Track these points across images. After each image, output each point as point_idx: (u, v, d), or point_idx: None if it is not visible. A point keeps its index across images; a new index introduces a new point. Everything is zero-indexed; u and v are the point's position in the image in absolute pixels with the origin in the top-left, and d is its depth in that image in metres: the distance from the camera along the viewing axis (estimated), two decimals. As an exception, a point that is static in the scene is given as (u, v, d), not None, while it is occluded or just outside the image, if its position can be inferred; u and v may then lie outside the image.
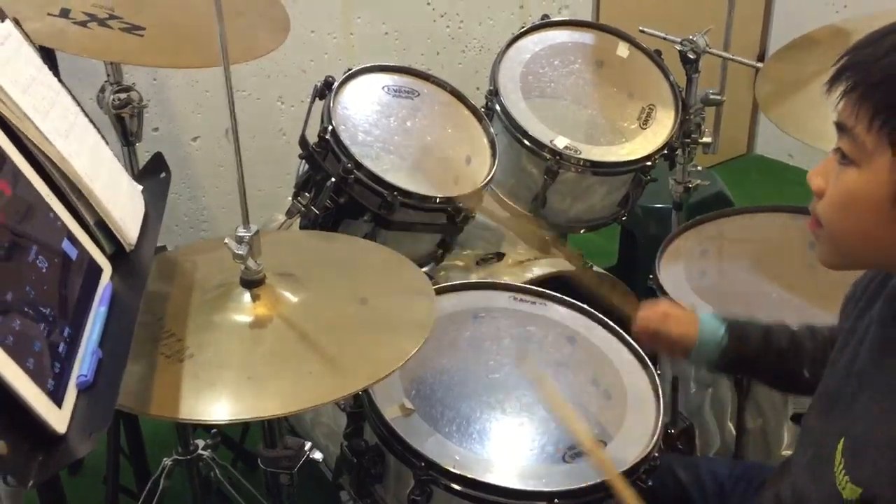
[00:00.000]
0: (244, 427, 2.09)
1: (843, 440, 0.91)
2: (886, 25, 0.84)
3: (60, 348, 0.82)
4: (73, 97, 1.08)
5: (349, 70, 1.72)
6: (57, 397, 0.78)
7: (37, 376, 0.76)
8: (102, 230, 1.00)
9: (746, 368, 1.28)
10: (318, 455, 1.28)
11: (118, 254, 1.03)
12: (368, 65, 1.77)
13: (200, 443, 1.76)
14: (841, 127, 0.86)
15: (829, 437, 0.94)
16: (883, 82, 0.81)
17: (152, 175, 1.20)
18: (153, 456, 1.91)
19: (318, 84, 1.67)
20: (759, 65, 1.88)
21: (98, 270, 0.97)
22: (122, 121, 1.47)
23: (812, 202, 0.91)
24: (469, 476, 1.16)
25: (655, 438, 1.25)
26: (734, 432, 1.58)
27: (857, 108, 0.83)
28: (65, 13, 1.20)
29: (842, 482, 0.89)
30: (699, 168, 2.09)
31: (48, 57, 1.28)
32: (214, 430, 1.78)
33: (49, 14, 1.20)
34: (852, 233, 0.88)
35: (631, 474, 1.19)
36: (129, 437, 1.91)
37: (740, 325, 1.25)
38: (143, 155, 1.62)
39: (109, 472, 1.83)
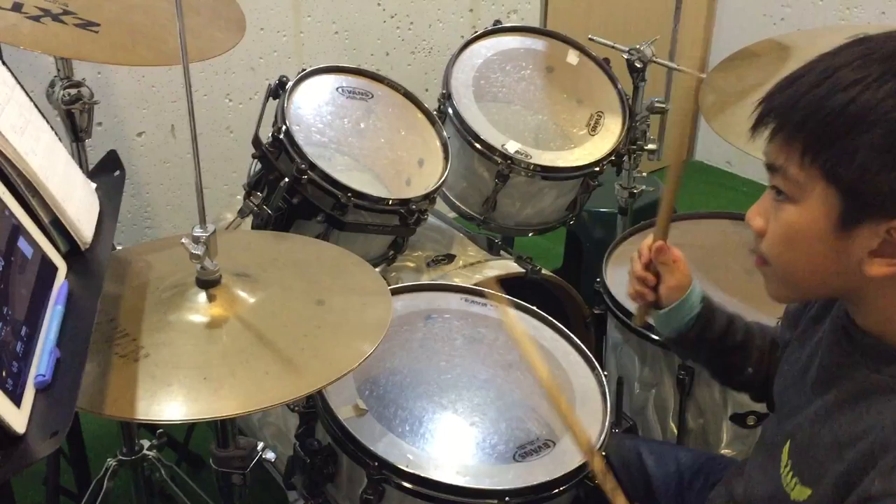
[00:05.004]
0: (189, 427, 2.07)
1: (789, 442, 0.95)
2: (799, 69, 0.87)
3: (17, 347, 0.81)
4: (27, 93, 1.06)
5: (303, 70, 1.72)
6: (15, 397, 0.77)
7: (-5, 376, 0.75)
8: (57, 228, 0.99)
9: (699, 350, 1.25)
10: (270, 455, 1.28)
11: (73, 252, 1.02)
12: (322, 65, 1.77)
13: (145, 443, 1.74)
14: (773, 167, 0.88)
15: (778, 437, 0.98)
16: (807, 120, 0.83)
17: (106, 173, 1.19)
18: (93, 457, 1.88)
19: (272, 83, 1.67)
20: (703, 75, 1.94)
21: (53, 269, 0.96)
22: (73, 116, 1.44)
23: (754, 241, 0.94)
24: (422, 475, 1.18)
25: (603, 438, 1.28)
26: (676, 432, 1.63)
27: (787, 148, 0.85)
28: (17, 7, 1.17)
29: (789, 483, 0.93)
30: (644, 174, 2.14)
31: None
32: (160, 431, 1.76)
33: (1, 8, 1.17)
34: (799, 266, 0.90)
35: (578, 473, 1.22)
36: (69, 438, 1.87)
37: (711, 306, 1.22)
38: (88, 150, 1.60)
39: (49, 473, 1.79)
